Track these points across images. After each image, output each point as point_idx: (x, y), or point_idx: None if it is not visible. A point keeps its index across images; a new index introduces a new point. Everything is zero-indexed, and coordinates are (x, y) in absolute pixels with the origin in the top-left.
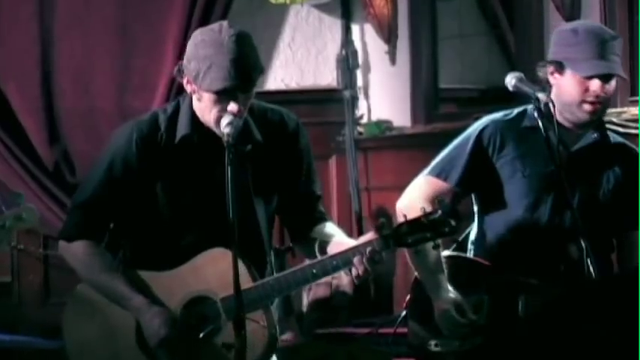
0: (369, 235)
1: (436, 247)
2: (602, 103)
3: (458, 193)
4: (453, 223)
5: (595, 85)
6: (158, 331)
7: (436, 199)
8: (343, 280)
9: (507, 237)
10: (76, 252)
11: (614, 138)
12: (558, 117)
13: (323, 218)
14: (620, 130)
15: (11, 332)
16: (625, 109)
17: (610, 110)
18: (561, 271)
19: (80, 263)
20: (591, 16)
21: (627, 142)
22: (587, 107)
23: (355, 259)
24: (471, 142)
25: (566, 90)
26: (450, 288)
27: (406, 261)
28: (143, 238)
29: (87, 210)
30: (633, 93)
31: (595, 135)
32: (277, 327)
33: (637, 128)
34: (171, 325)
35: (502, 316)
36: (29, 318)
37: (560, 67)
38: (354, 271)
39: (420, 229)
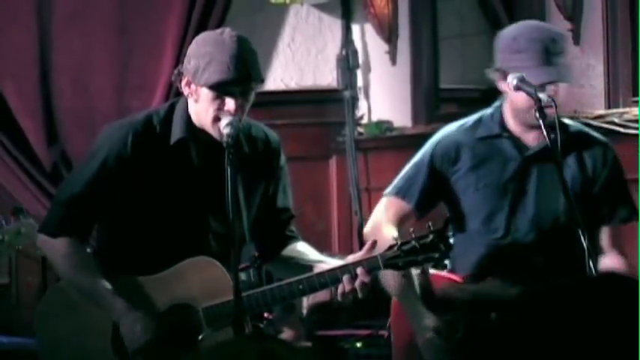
0: (359, 255)
1: (405, 274)
2: (552, 107)
3: (420, 212)
4: (443, 248)
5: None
6: (139, 337)
7: (400, 220)
8: None
9: (470, 250)
10: (58, 248)
11: (574, 127)
12: (512, 124)
13: (295, 237)
14: (622, 130)
15: (9, 334)
16: (627, 109)
17: (612, 111)
18: (524, 280)
19: (62, 260)
20: (593, 16)
21: (590, 132)
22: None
23: (344, 278)
24: (426, 161)
25: (514, 97)
26: (426, 312)
27: None
28: (127, 239)
29: (74, 206)
30: (635, 93)
31: (551, 136)
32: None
33: (637, 129)
34: (153, 331)
35: (477, 332)
36: (27, 320)
37: (505, 76)
38: (340, 288)
39: (411, 252)
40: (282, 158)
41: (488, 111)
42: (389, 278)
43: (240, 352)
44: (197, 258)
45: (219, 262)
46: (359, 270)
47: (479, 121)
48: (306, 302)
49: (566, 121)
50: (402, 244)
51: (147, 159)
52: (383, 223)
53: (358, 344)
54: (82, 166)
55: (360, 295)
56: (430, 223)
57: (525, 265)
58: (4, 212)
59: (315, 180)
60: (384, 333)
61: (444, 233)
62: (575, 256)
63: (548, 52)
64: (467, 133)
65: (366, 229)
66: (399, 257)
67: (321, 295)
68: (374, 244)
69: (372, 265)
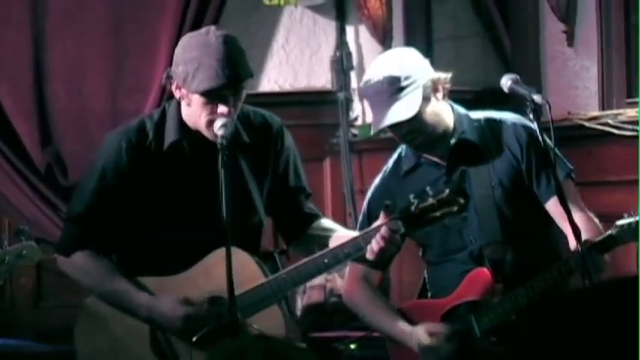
0: (378, 222)
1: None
2: (412, 134)
3: (379, 267)
4: (461, 201)
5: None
6: (175, 313)
7: (365, 279)
8: (338, 283)
9: (441, 275)
10: (76, 264)
11: (485, 120)
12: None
13: (317, 215)
14: (616, 132)
15: (3, 336)
16: (621, 111)
17: (606, 112)
18: (500, 280)
19: (83, 274)
20: (587, 18)
21: (500, 120)
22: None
23: (374, 238)
24: (367, 217)
25: None
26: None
27: (400, 264)
28: (138, 245)
29: (82, 222)
30: (629, 95)
31: (453, 139)
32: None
33: (633, 130)
34: (184, 303)
35: (463, 338)
36: (22, 321)
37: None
38: (369, 247)
39: (429, 209)
40: (288, 139)
41: (404, 145)
42: (360, 304)
43: (245, 350)
44: (220, 250)
45: None
46: (383, 230)
47: (399, 157)
48: (300, 303)
49: (473, 115)
50: (420, 202)
51: (144, 165)
52: (353, 282)
53: (352, 346)
54: (84, 183)
55: (392, 250)
56: (445, 178)
57: (495, 268)
58: (2, 218)
59: (309, 181)
60: (379, 334)
61: (460, 186)
62: (539, 241)
63: (379, 96)
64: (391, 176)
65: (343, 292)
66: (419, 216)
67: (316, 296)
68: (388, 208)
69: (393, 228)
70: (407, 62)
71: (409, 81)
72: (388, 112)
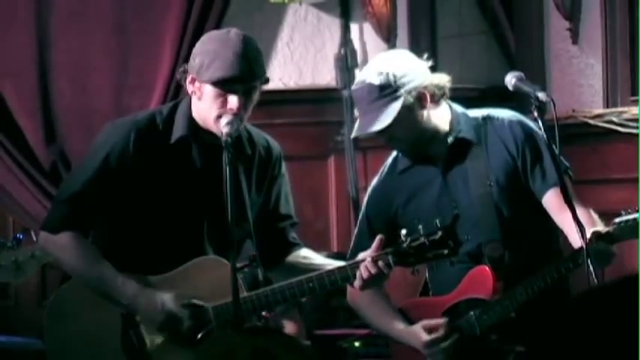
0: (368, 252)
1: (415, 271)
2: (393, 141)
3: None
4: (451, 244)
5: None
6: (162, 308)
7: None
8: None
9: (440, 274)
10: (61, 243)
11: (482, 117)
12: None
13: (299, 244)
14: (621, 129)
15: (8, 333)
16: (626, 108)
17: (610, 110)
18: (500, 277)
19: (67, 254)
20: (591, 15)
21: (494, 116)
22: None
23: (362, 266)
24: (364, 221)
25: None
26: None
27: None
28: (129, 238)
29: (75, 203)
30: (634, 92)
31: (450, 138)
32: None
33: (637, 128)
34: (172, 300)
35: (464, 335)
36: (26, 319)
37: None
38: (357, 274)
39: (420, 249)
40: (283, 167)
41: None
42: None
43: (234, 348)
44: (204, 257)
45: None
46: (370, 264)
47: (397, 156)
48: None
49: (472, 114)
50: (412, 240)
51: (148, 158)
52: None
53: (357, 343)
54: (84, 164)
55: (378, 282)
56: (438, 220)
57: (495, 266)
58: (3, 212)
59: (313, 179)
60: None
61: (452, 230)
62: (536, 238)
63: (361, 103)
64: (388, 176)
65: (348, 294)
66: (409, 254)
67: None
68: (382, 240)
69: (384, 262)
70: (391, 70)
71: (387, 91)
72: (363, 120)
